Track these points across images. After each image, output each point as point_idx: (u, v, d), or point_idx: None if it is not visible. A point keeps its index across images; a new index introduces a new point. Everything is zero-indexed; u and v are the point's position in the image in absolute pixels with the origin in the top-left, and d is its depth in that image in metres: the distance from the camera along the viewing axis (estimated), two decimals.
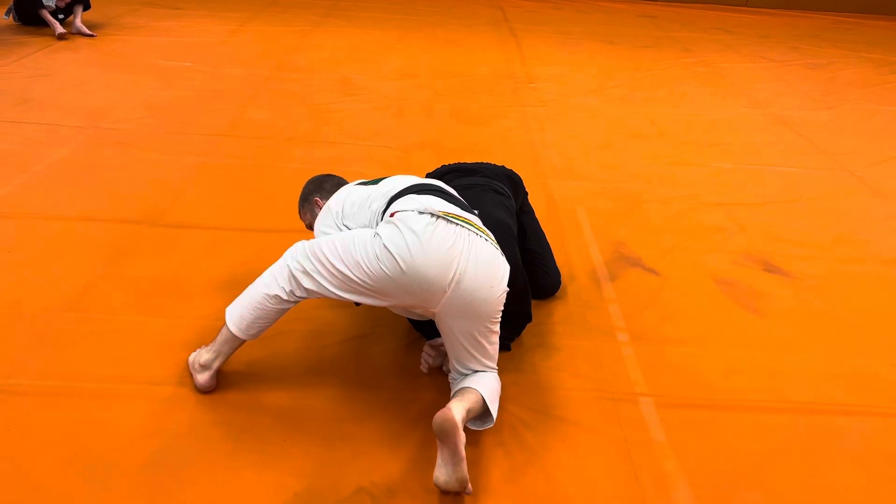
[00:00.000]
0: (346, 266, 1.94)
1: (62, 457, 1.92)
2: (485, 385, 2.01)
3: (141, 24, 6.64)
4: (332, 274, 1.97)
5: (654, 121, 4.96)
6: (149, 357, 2.31)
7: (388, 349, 2.44)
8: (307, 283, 2.00)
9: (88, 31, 6.10)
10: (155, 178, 3.58)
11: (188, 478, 1.89)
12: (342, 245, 1.98)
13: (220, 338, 2.14)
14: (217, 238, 3.07)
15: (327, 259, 1.97)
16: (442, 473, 1.82)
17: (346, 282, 1.96)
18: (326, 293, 2.00)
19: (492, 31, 7.37)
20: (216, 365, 2.15)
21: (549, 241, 2.88)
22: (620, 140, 4.58)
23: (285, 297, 2.03)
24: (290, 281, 2.02)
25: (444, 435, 1.81)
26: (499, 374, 2.11)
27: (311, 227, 2.52)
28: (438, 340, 2.30)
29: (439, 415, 1.82)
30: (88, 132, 4.09)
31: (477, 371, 2.05)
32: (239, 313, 2.08)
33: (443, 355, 2.30)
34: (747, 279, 3.03)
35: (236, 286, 2.69)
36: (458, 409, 1.86)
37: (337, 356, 2.40)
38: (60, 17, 6.11)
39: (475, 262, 1.93)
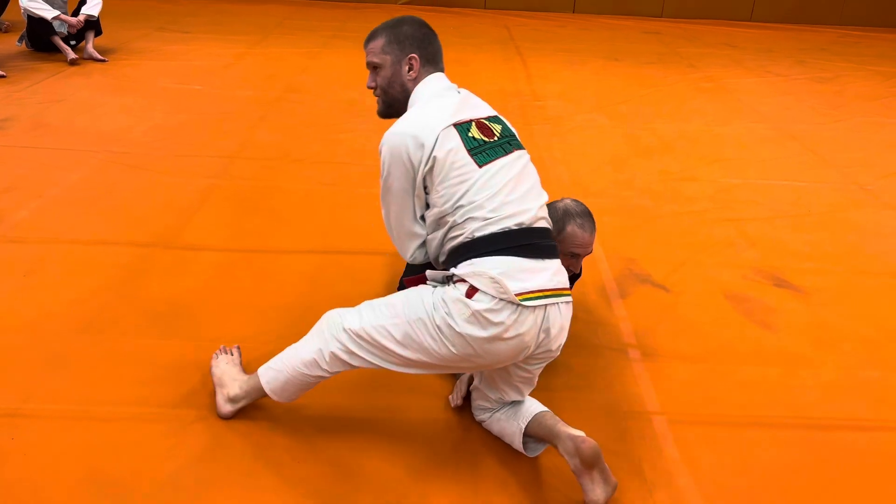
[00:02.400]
0: (408, 349, 1.85)
1: (78, 479, 1.93)
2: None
3: (151, 48, 6.73)
4: (388, 354, 1.88)
5: (661, 137, 4.98)
6: (163, 379, 2.33)
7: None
8: (355, 362, 1.94)
9: (100, 57, 6.19)
10: (167, 200, 3.62)
11: (204, 500, 1.90)
12: (400, 330, 1.84)
13: (255, 385, 2.09)
14: (230, 260, 3.09)
15: (380, 345, 1.86)
16: (601, 492, 1.80)
17: (403, 361, 1.89)
18: (375, 367, 1.94)
19: (497, 50, 7.42)
20: (242, 404, 2.14)
21: None
22: (628, 156, 4.60)
23: (328, 376, 2.00)
24: (333, 363, 1.95)
25: (597, 459, 1.81)
26: None
27: (377, 87, 2.07)
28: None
29: (588, 444, 1.79)
30: (101, 156, 4.14)
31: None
32: (280, 386, 2.03)
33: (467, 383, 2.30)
34: (758, 294, 3.03)
35: (249, 308, 2.73)
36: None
37: (354, 376, 2.40)
38: (72, 42, 6.20)
39: (546, 334, 1.86)
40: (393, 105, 2.05)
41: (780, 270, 3.23)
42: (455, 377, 2.35)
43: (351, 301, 2.78)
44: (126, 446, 2.05)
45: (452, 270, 1.84)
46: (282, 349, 2.48)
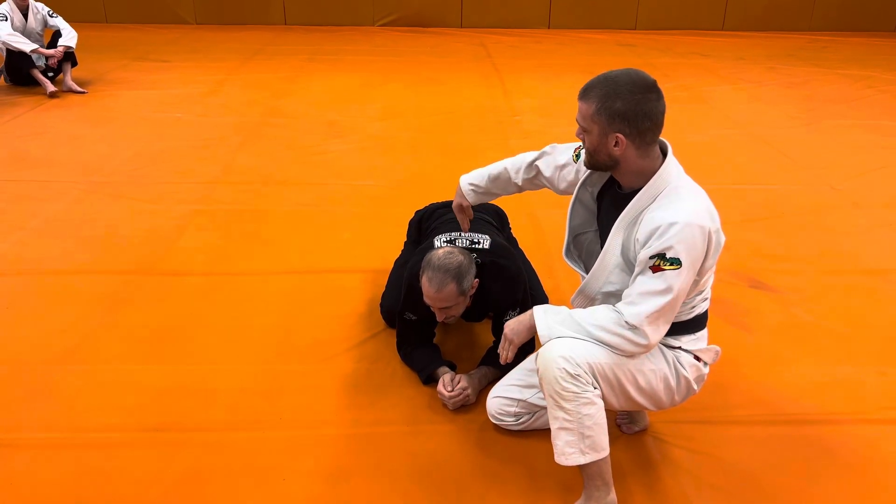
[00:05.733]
0: (641, 394, 1.90)
1: None
2: None
3: (130, 78, 6.77)
4: (618, 394, 1.88)
5: None
6: (148, 404, 2.35)
7: (391, 384, 2.48)
8: (606, 392, 1.87)
9: (79, 88, 6.22)
10: (149, 227, 3.64)
11: None
12: (643, 378, 1.88)
13: (596, 478, 1.89)
14: (212, 283, 3.11)
15: (622, 386, 1.86)
16: None
17: (627, 400, 1.91)
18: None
19: (474, 68, 7.51)
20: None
21: (537, 267, 2.95)
22: None
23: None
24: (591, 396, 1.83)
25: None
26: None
27: (584, 144, 1.88)
28: (447, 378, 2.34)
29: None
30: (82, 186, 4.16)
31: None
32: (594, 451, 1.84)
33: (463, 390, 2.32)
34: (734, 296, 3.08)
35: (231, 330, 2.75)
36: None
37: (335, 391, 2.43)
38: (50, 75, 6.24)
39: None
40: (598, 167, 1.91)
41: (756, 272, 3.29)
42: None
43: (331, 319, 2.83)
44: (113, 472, 2.07)
45: (679, 343, 1.95)
46: (266, 371, 2.53)
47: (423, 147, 4.99)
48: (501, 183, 2.32)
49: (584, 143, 1.89)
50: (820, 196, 4.21)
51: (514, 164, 2.29)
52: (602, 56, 8.16)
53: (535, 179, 2.27)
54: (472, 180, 2.35)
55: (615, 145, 1.81)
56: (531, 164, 2.26)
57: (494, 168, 2.32)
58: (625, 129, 1.79)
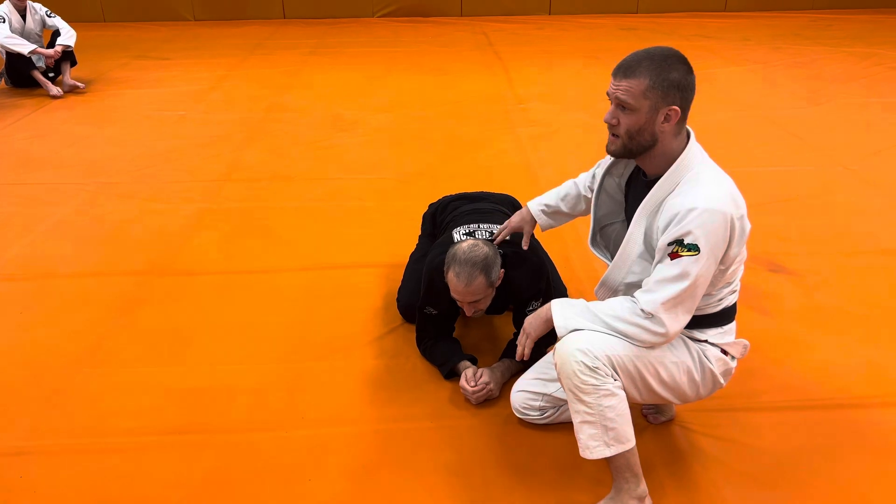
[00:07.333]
0: (664, 387, 1.86)
1: None
2: None
3: (132, 77, 6.73)
4: (640, 387, 1.84)
5: None
6: (168, 406, 2.33)
7: (412, 379, 2.46)
8: (627, 384, 1.83)
9: (79, 83, 6.19)
10: (159, 227, 3.62)
11: None
12: (665, 371, 1.84)
13: (624, 471, 1.85)
14: (225, 282, 3.09)
15: (644, 378, 1.82)
16: None
17: (649, 393, 1.88)
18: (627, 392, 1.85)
19: (477, 56, 7.46)
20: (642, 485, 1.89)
21: (554, 258, 2.92)
22: None
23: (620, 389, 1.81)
24: (612, 388, 1.78)
25: None
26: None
27: (620, 127, 1.77)
28: (469, 372, 2.32)
29: None
30: (90, 188, 4.13)
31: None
32: (619, 443, 1.80)
33: (486, 384, 2.29)
34: (753, 281, 3.05)
35: (248, 329, 2.73)
36: None
37: (356, 388, 2.41)
38: (51, 76, 6.21)
39: None
40: (634, 151, 1.81)
41: (773, 256, 3.26)
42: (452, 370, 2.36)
43: (348, 315, 2.81)
44: (134, 476, 2.05)
45: (705, 336, 1.91)
46: (285, 369, 2.51)
47: (431, 138, 4.96)
48: (571, 200, 2.29)
49: (617, 126, 1.78)
50: (833, 176, 4.16)
51: (580, 180, 2.28)
52: (605, 41, 8.09)
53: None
54: (542, 201, 2.34)
55: (664, 121, 1.75)
56: (592, 174, 2.23)
57: (561, 188, 2.32)
58: (678, 101, 1.74)
